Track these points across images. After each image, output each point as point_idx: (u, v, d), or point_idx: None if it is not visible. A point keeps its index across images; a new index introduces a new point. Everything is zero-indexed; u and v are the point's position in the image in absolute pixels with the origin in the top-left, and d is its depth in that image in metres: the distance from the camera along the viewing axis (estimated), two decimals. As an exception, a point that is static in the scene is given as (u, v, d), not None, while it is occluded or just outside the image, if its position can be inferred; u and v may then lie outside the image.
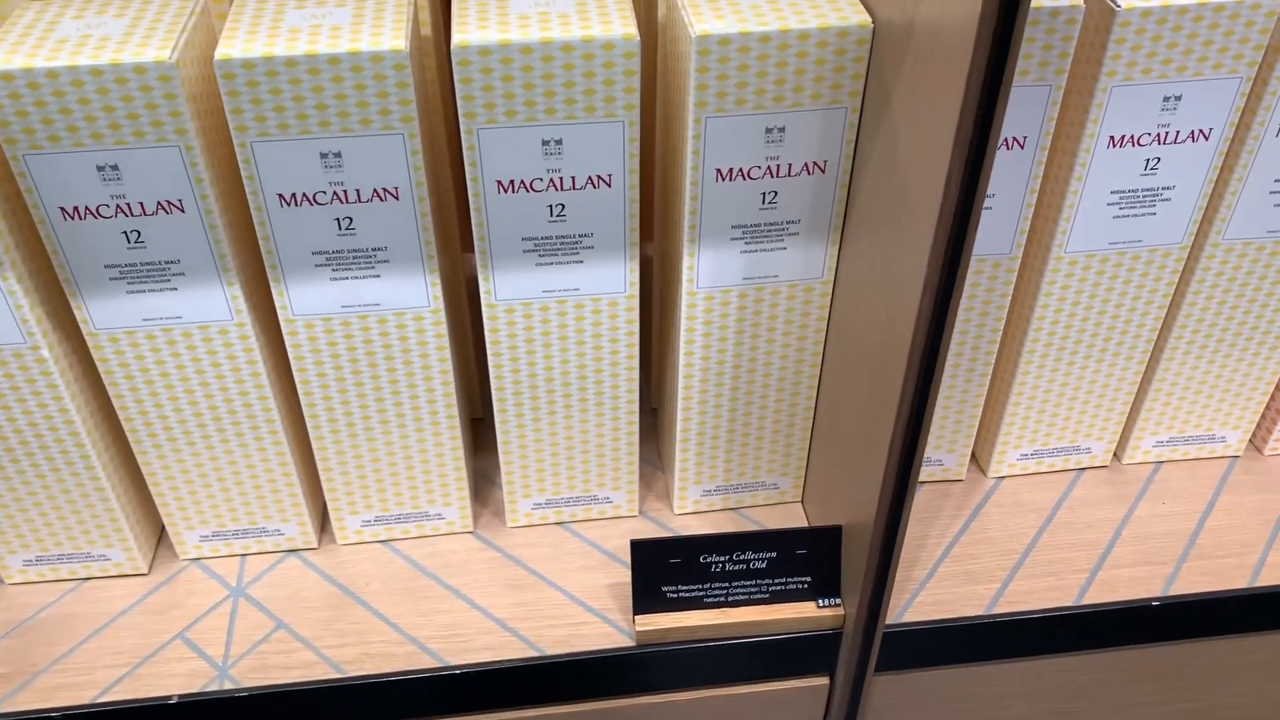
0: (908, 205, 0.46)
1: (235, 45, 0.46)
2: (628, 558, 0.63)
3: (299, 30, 0.47)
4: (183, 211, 0.50)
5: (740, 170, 0.52)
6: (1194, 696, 0.69)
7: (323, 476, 0.61)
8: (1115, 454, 0.71)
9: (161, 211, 0.49)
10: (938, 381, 0.49)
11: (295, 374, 0.57)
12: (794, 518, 0.67)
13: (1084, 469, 0.70)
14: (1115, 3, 0.51)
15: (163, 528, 0.65)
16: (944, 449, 0.68)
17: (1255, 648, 0.66)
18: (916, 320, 0.46)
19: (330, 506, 0.63)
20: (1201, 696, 0.69)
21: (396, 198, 0.51)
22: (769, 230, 0.55)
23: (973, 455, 0.71)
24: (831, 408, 0.61)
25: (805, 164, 0.53)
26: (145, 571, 0.63)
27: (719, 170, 0.52)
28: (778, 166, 0.52)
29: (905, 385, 0.48)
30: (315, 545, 0.64)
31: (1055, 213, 0.58)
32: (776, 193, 0.53)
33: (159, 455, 0.59)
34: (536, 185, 0.51)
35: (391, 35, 0.47)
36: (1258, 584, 0.63)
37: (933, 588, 0.63)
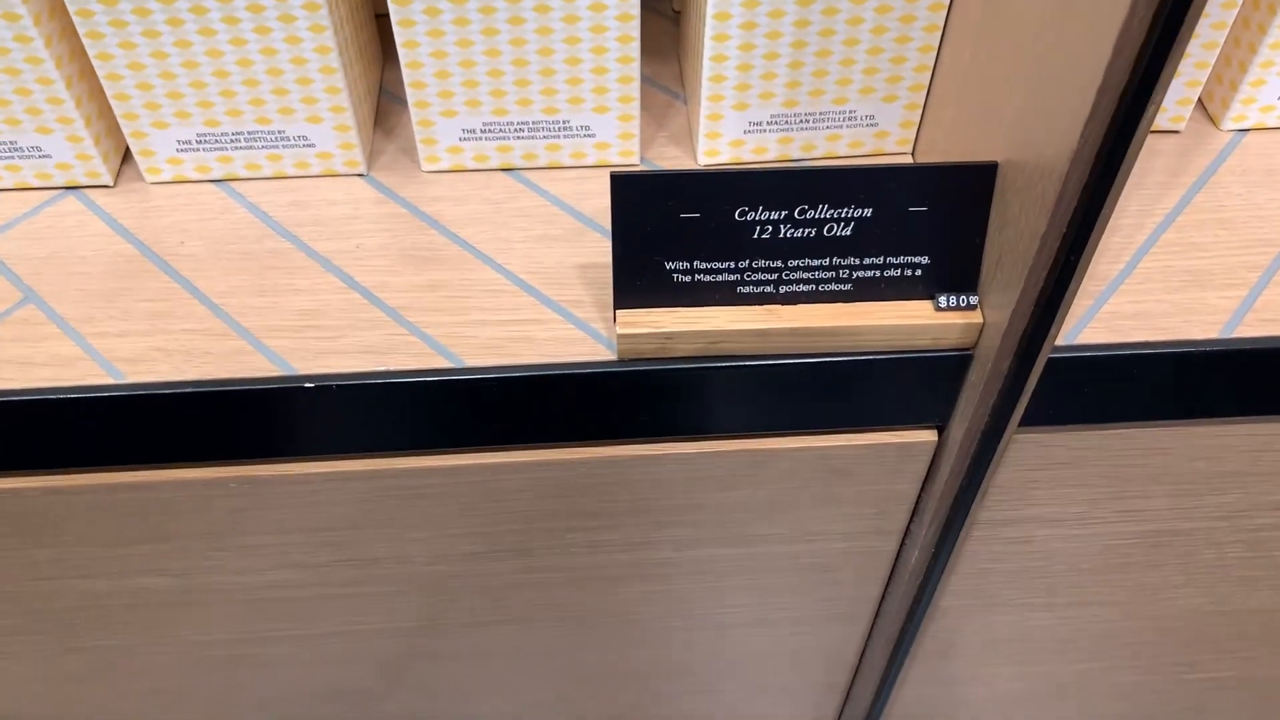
0: None
1: None
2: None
3: None
4: None
5: None
6: None
7: (97, 63, 0.36)
8: None
9: None
10: None
11: None
12: (895, 179, 0.41)
13: (1376, 128, 0.43)
14: None
15: None
16: (1156, 78, 0.40)
17: None
18: None
19: (120, 114, 0.38)
20: None
21: None
22: None
23: (1198, 101, 0.43)
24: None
25: None
26: None
27: None
28: None
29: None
30: (110, 183, 0.40)
31: None
32: None
33: None
34: None
35: None
36: None
37: (1130, 292, 0.37)
